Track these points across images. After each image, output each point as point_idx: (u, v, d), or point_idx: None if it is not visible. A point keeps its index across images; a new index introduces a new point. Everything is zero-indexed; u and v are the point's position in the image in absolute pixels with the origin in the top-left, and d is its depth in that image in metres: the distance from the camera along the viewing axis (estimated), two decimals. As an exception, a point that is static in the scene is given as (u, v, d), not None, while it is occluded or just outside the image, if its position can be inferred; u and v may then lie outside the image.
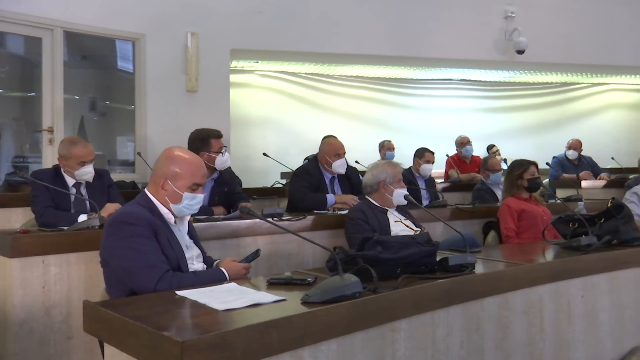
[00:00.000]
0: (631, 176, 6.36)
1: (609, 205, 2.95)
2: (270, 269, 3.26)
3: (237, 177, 5.29)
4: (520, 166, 3.95)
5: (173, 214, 2.25)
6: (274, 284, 2.00)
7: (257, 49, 6.68)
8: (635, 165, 6.27)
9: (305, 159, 5.90)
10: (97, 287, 2.39)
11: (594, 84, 9.68)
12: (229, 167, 4.24)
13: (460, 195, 5.69)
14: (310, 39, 6.65)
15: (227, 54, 6.40)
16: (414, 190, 4.80)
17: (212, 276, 2.17)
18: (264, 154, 5.66)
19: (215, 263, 2.40)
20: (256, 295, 1.81)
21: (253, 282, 2.13)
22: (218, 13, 6.25)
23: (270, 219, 2.60)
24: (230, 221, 3.27)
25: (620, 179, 6.46)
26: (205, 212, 3.45)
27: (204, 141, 3.67)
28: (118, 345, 1.62)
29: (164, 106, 5.98)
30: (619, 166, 7.51)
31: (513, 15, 7.37)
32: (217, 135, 3.74)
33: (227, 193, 3.79)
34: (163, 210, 2.24)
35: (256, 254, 2.39)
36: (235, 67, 7.76)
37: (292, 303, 1.73)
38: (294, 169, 4.71)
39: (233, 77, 7.18)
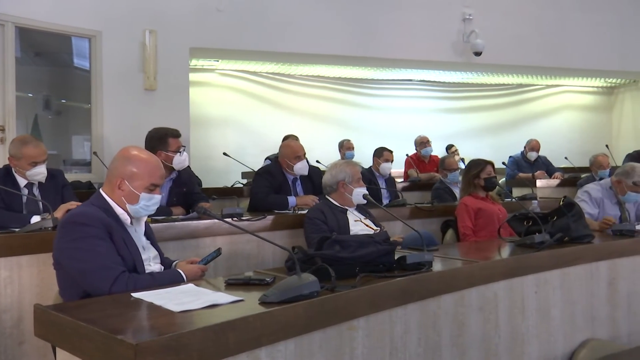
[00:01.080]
0: (583, 175, 6.60)
1: (561, 203, 3.03)
2: (229, 269, 3.23)
3: (197, 177, 5.24)
4: (477, 166, 4.04)
5: (129, 214, 2.21)
6: (232, 285, 1.99)
7: (217, 48, 6.63)
8: (587, 164, 6.49)
9: (266, 159, 5.90)
10: (50, 291, 2.33)
11: (548, 86, 9.97)
12: (188, 166, 4.20)
13: (419, 194, 5.78)
14: (271, 38, 6.63)
15: (187, 52, 6.32)
16: (374, 190, 4.85)
17: (169, 277, 2.14)
18: (224, 154, 5.62)
19: (173, 264, 2.37)
20: (213, 296, 1.79)
21: (211, 283, 2.11)
22: (177, 11, 6.17)
23: (227, 219, 2.58)
24: (189, 222, 3.23)
25: (573, 178, 6.68)
26: (163, 212, 3.40)
27: (161, 140, 3.61)
28: (70, 349, 1.58)
29: (122, 105, 5.86)
30: (571, 166, 7.77)
31: (470, 17, 7.52)
32: (175, 134, 3.68)
33: (186, 193, 3.75)
34: (119, 210, 2.19)
35: (218, 252, 2.37)
36: (195, 65, 7.67)
37: (249, 303, 1.72)
38: (255, 169, 4.69)
39: (193, 76, 7.09)
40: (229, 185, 6.01)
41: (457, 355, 2.26)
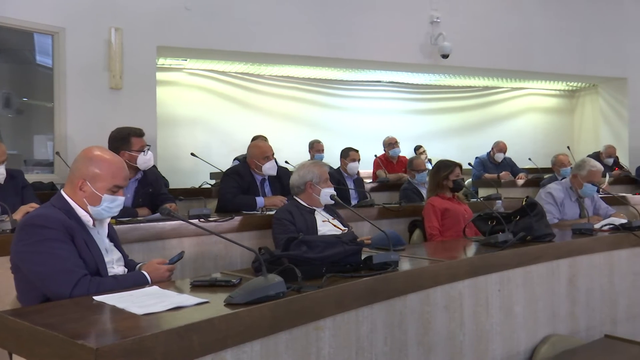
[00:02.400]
0: (546, 176, 6.75)
1: (524, 203, 3.10)
2: (196, 270, 3.20)
3: (164, 177, 5.17)
4: (446, 167, 4.05)
5: (91, 216, 2.16)
6: (197, 286, 1.97)
7: (185, 47, 6.55)
8: (550, 165, 6.65)
9: (234, 160, 5.86)
10: (8, 295, 2.25)
11: (513, 89, 10.18)
12: (154, 167, 4.14)
13: (388, 194, 5.83)
14: (240, 38, 6.59)
15: (154, 51, 6.23)
16: (342, 190, 4.88)
17: (133, 280, 2.11)
18: (192, 154, 5.57)
19: (137, 266, 2.33)
20: (178, 298, 1.77)
21: (177, 285, 2.09)
22: (143, 8, 6.08)
23: (192, 221, 2.55)
24: (155, 223, 3.18)
25: (536, 178, 6.83)
26: (129, 213, 3.34)
27: (124, 140, 3.55)
28: (28, 356, 1.54)
29: (86, 104, 5.74)
30: (535, 166, 7.94)
31: (438, 20, 7.62)
32: (139, 133, 3.62)
33: (152, 194, 3.69)
34: (80, 212, 2.15)
35: (180, 255, 2.34)
36: (163, 64, 7.58)
37: (215, 305, 1.70)
38: (224, 170, 4.66)
39: (160, 75, 7.00)
40: (197, 186, 5.94)
41: (423, 353, 2.28)
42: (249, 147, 4.35)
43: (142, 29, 6.04)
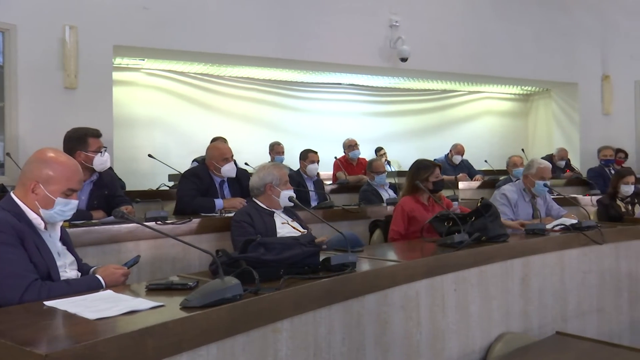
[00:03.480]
0: (502, 177, 6.94)
1: (479, 204, 3.18)
2: (153, 274, 3.15)
3: (120, 179, 5.07)
4: (427, 169, 3.84)
5: (43, 219, 2.10)
6: (153, 290, 1.94)
7: (143, 47, 6.44)
8: (505, 167, 6.83)
9: (193, 161, 5.80)
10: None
11: (470, 92, 10.40)
12: (111, 168, 4.06)
13: (348, 196, 5.86)
14: (198, 38, 6.52)
15: (110, 50, 6.10)
16: (302, 192, 4.89)
17: (86, 284, 2.06)
18: (150, 156, 5.48)
19: (91, 270, 2.28)
20: (133, 302, 1.74)
21: (132, 289, 2.05)
22: (99, 6, 5.95)
23: (147, 223, 2.51)
24: (110, 226, 3.12)
25: (492, 180, 7.01)
26: (83, 216, 3.26)
27: (80, 140, 3.46)
28: (-27, 364, 1.48)
29: (39, 103, 5.57)
30: (491, 168, 8.15)
31: (397, 24, 7.72)
32: (96, 134, 3.54)
33: (108, 196, 3.61)
34: (32, 215, 2.09)
35: (136, 259, 2.30)
36: (120, 64, 7.43)
37: (170, 308, 1.68)
38: (182, 171, 4.59)
39: (117, 75, 6.87)
40: (155, 188, 5.85)
41: (381, 353, 2.31)
42: (208, 149, 4.31)
43: (98, 27, 5.91)
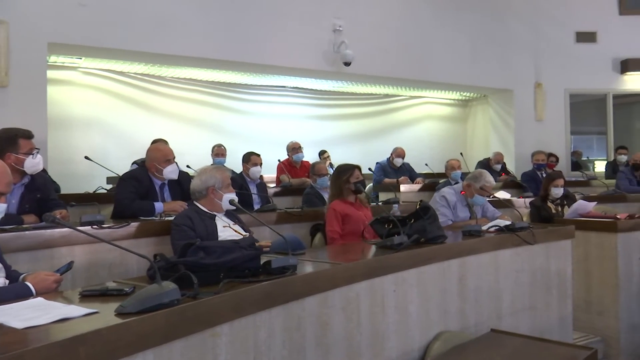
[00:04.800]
0: (441, 180, 7.12)
1: (418, 207, 3.25)
2: (89, 280, 3.04)
3: (54, 182, 4.88)
4: (346, 171, 4.11)
5: (-33, 224, 2.00)
6: (87, 296, 1.88)
7: (79, 45, 6.22)
8: (444, 170, 7.03)
9: (133, 163, 5.64)
10: None
11: (411, 97, 10.64)
12: (44, 171, 3.90)
13: (291, 199, 5.87)
14: (139, 37, 6.37)
15: (44, 47, 5.87)
16: (245, 195, 4.86)
17: (14, 292, 1.97)
18: (86, 158, 5.30)
19: (21, 277, 2.18)
20: (65, 310, 1.68)
21: (65, 296, 1.97)
22: (32, 2, 5.71)
23: (80, 228, 2.43)
24: (42, 230, 2.99)
25: (432, 182, 7.19)
26: (13, 221, 3.11)
27: (11, 141, 3.31)
28: None
29: (-35, 102, 5.29)
30: (431, 171, 8.35)
31: (341, 29, 7.81)
32: (27, 135, 3.39)
33: (40, 200, 3.46)
34: (-45, 220, 1.98)
35: (69, 265, 2.22)
36: (55, 62, 7.16)
37: (105, 315, 1.64)
38: (121, 174, 4.46)
39: (52, 73, 6.62)
40: (92, 191, 5.65)
41: (321, 355, 2.32)
42: (149, 150, 4.20)
43: (31, 23, 5.67)
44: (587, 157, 10.60)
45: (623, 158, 8.54)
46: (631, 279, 4.39)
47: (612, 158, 9.37)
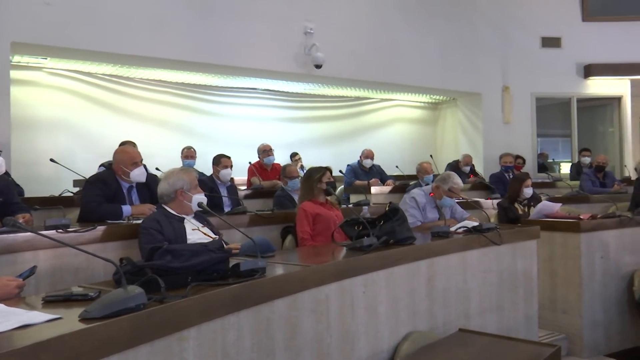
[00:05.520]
0: (412, 182, 7.19)
1: (387, 209, 3.28)
2: (54, 285, 2.98)
3: (18, 185, 4.77)
4: (318, 172, 4.20)
5: None
6: (51, 302, 1.84)
7: (45, 45, 6.09)
8: (415, 172, 7.10)
9: (100, 166, 5.55)
10: None
11: (382, 99, 10.72)
12: (7, 173, 3.81)
13: (262, 201, 5.85)
14: (107, 38, 6.27)
15: (7, 47, 5.73)
16: (215, 198, 4.82)
17: (-26, 298, 1.92)
18: (52, 160, 5.19)
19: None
20: (26, 316, 1.64)
21: (27, 302, 1.93)
22: (-5, 0, 5.57)
23: (43, 232, 2.39)
24: (4, 235, 2.91)
25: (403, 184, 7.26)
26: (-26, 225, 3.03)
27: (-29, 144, 3.23)
28: None
29: None
30: (402, 173, 8.43)
31: (312, 31, 7.83)
32: (-11, 138, 3.31)
33: (3, 203, 3.38)
34: None
35: (32, 270, 2.17)
36: (19, 62, 6.99)
37: (69, 321, 1.60)
38: (88, 177, 4.38)
39: (16, 74, 6.47)
40: (57, 194, 5.53)
41: (291, 357, 2.32)
42: (116, 153, 4.14)
43: (-6, 22, 5.53)
44: (553, 159, 10.85)
45: (587, 160, 8.77)
46: (594, 277, 4.51)
47: (576, 160, 9.61)
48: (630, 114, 10.57)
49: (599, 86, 10.23)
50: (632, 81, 10.26)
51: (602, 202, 6.59)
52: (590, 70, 10.03)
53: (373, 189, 6.86)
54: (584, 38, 10.00)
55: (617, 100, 10.44)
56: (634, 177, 8.01)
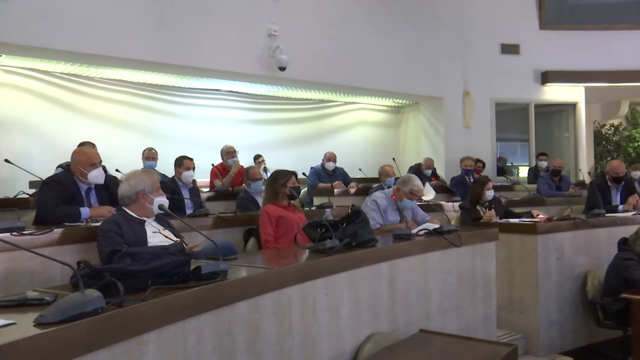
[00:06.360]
0: (374, 185, 7.26)
1: (349, 211, 3.31)
2: (7, 290, 2.88)
3: (-30, 186, 4.60)
4: (284, 176, 4.19)
5: None
6: (4, 307, 1.79)
7: (0, 41, 5.89)
8: (378, 175, 7.17)
9: (58, 167, 5.41)
10: None
11: (346, 103, 10.79)
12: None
13: (225, 203, 5.81)
14: (66, 35, 6.11)
15: (-41, 43, 5.53)
16: (177, 200, 4.77)
17: None
18: (6, 161, 5.04)
19: None
20: (-22, 322, 1.59)
21: (-22, 308, 1.87)
22: (-54, -5, 5.37)
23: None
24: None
25: (366, 187, 7.31)
26: None
27: None
28: None
29: None
30: (365, 176, 8.50)
31: (276, 33, 7.82)
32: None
33: (-47, 205, 3.26)
34: None
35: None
36: (-28, 59, 6.76)
37: (23, 326, 1.57)
38: (44, 178, 4.27)
39: (-32, 71, 6.24)
40: (12, 196, 5.36)
41: (253, 360, 2.32)
42: (74, 154, 4.04)
43: (-55, 18, 5.33)
44: (512, 163, 11.11)
45: (543, 164, 9.04)
46: (549, 278, 4.64)
47: (533, 164, 9.88)
48: (585, 119, 10.94)
49: (555, 92, 10.55)
50: (586, 88, 10.62)
51: (557, 205, 6.79)
52: (547, 77, 10.34)
53: (336, 192, 6.90)
54: (541, 46, 10.30)
55: (573, 106, 10.79)
56: (588, 180, 8.29)
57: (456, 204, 6.18)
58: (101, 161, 3.99)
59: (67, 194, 3.80)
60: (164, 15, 6.85)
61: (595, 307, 4.65)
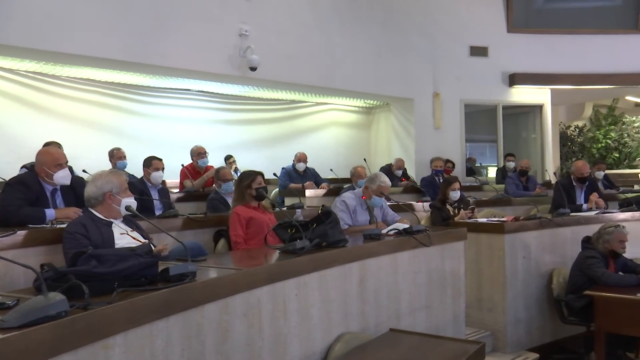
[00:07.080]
0: (346, 185, 7.28)
1: (320, 212, 3.32)
2: (-32, 294, 2.81)
3: None
4: (249, 176, 4.20)
5: None
6: (-38, 312, 1.74)
7: (-40, 39, 5.73)
8: (349, 175, 7.20)
9: (22, 168, 5.28)
10: None
11: (317, 103, 10.80)
12: None
13: (195, 204, 5.75)
14: (30, 33, 5.96)
15: None
16: (146, 201, 4.70)
17: None
18: (-32, 161, 4.88)
19: None
20: None
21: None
22: None
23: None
24: None
25: (337, 187, 7.34)
26: None
27: None
28: None
29: None
30: (336, 177, 8.53)
31: (247, 33, 7.77)
32: None
33: None
34: None
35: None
36: None
37: (-18, 331, 1.52)
38: (8, 179, 4.15)
39: None
40: (-27, 198, 5.20)
41: (222, 362, 2.30)
42: (38, 154, 3.94)
43: None
44: (480, 164, 11.29)
45: (511, 164, 9.21)
46: (516, 277, 4.74)
47: (501, 164, 10.06)
48: (551, 121, 11.19)
49: (523, 94, 10.76)
50: (552, 90, 10.87)
51: (524, 204, 6.93)
52: (514, 79, 10.54)
53: (307, 192, 6.90)
54: (509, 48, 10.49)
55: (539, 108, 11.02)
56: (554, 180, 8.47)
57: (426, 204, 6.26)
58: (67, 162, 3.91)
59: (32, 195, 3.71)
60: (132, 12, 6.73)
61: (560, 304, 4.76)
